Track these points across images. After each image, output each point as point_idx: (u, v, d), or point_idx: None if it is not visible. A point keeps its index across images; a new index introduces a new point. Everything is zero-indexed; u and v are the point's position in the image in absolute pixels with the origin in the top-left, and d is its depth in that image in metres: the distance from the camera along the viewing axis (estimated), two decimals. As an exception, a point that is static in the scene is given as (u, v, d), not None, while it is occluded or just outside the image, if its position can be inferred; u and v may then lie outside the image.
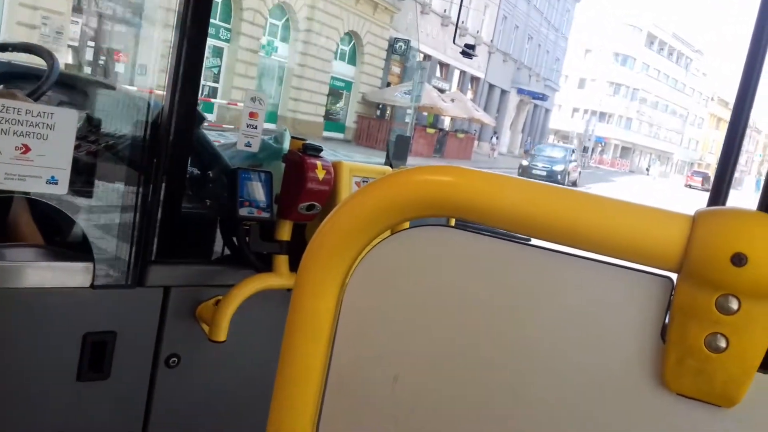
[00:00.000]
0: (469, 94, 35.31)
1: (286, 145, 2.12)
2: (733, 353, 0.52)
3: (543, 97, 44.78)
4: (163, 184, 1.75)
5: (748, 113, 1.43)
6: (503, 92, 41.12)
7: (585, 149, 52.23)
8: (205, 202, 2.09)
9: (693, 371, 0.54)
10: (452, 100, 28.30)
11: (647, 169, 67.98)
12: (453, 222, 1.61)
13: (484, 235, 0.61)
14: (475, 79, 36.99)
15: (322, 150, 1.86)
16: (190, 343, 1.82)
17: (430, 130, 27.69)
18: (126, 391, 1.75)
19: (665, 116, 73.89)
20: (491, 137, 38.26)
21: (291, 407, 0.65)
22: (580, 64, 65.58)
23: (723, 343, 0.52)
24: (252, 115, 1.89)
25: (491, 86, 38.91)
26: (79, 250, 1.66)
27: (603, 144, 65.36)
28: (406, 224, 0.65)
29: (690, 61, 76.59)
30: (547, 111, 52.03)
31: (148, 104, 1.84)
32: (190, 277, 1.82)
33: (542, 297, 0.59)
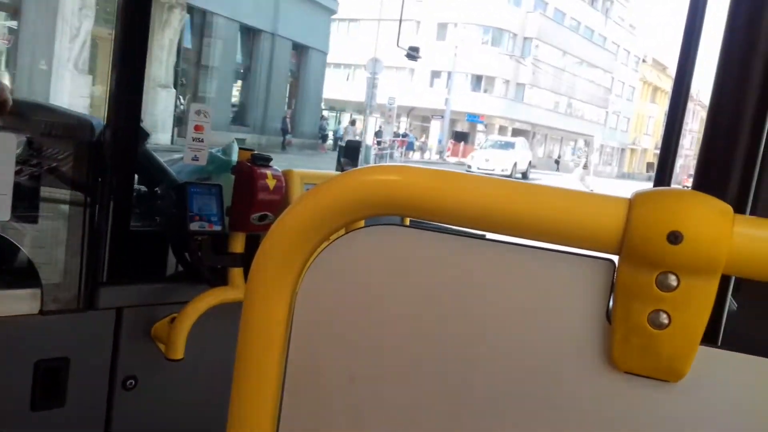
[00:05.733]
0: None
1: (235, 156, 2.10)
2: (676, 329, 0.54)
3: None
4: (110, 204, 1.72)
5: (690, 78, 1.31)
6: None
7: (399, 133, 27.38)
8: (155, 219, 2.06)
9: (639, 349, 0.55)
10: None
11: (556, 161, 42.55)
12: (408, 221, 1.62)
13: (430, 231, 0.62)
14: None
15: (271, 159, 1.85)
16: (146, 363, 1.78)
17: None
18: (84, 418, 1.71)
19: (578, 82, 45.91)
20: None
21: (248, 418, 0.64)
22: (438, 3, 37.44)
23: (665, 320, 0.54)
24: (197, 128, 1.86)
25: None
26: (26, 276, 1.62)
27: (485, 125, 39.56)
28: (359, 224, 0.65)
29: (611, 4, 48.98)
30: (305, 50, 21.93)
31: (91, 124, 1.80)
32: (143, 297, 1.78)
33: (490, 288, 0.60)
